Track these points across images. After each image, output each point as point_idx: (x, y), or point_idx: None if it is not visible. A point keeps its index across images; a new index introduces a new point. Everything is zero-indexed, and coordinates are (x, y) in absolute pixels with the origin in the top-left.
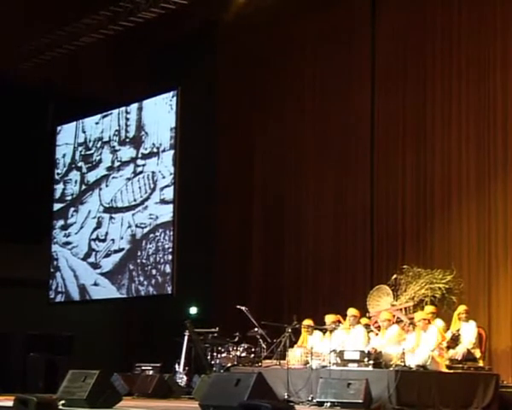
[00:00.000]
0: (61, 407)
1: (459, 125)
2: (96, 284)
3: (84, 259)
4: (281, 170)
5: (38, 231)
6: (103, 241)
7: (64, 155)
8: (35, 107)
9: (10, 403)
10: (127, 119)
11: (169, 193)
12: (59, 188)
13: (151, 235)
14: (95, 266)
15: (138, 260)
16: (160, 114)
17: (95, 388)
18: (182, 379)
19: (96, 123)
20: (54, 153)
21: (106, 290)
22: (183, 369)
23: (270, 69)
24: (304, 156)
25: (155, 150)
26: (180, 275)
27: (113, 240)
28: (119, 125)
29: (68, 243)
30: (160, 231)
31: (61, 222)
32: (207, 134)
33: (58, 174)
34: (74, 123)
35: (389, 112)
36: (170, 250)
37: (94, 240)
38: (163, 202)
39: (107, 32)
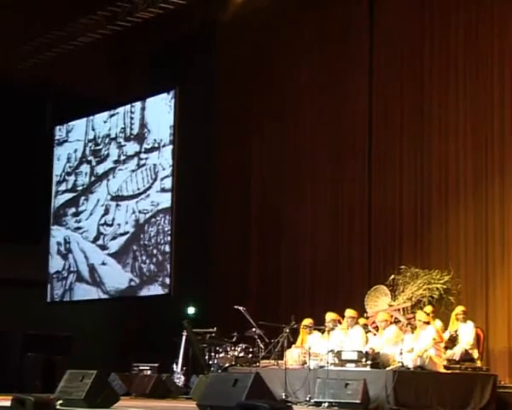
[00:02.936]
0: (58, 406)
1: (456, 126)
2: (103, 264)
3: (94, 241)
4: (279, 169)
5: (37, 231)
6: (110, 225)
7: (75, 150)
8: (34, 107)
9: (8, 403)
10: (132, 118)
11: (168, 183)
12: (71, 179)
13: (152, 219)
14: (103, 247)
15: (141, 242)
16: (160, 114)
17: (92, 388)
18: (180, 379)
19: (104, 121)
20: (52, 153)
21: (112, 269)
22: (181, 369)
23: (268, 69)
24: (301, 156)
25: (156, 145)
26: (178, 275)
27: (119, 224)
28: (124, 124)
29: (79, 228)
30: (161, 215)
31: (72, 210)
32: (206, 133)
33: (70, 167)
34: (85, 121)
35: (387, 113)
36: (169, 232)
37: (102, 225)
38: (163, 190)
39: (106, 32)
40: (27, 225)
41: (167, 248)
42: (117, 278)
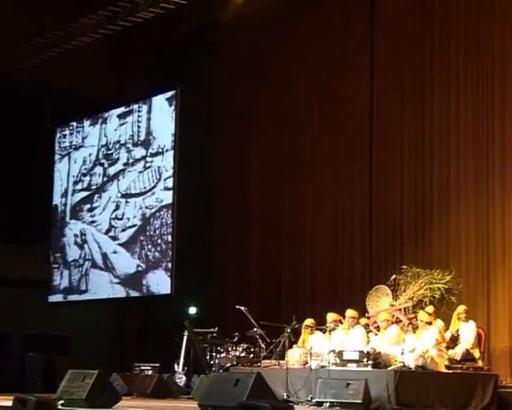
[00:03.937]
0: (59, 406)
1: (457, 126)
2: (115, 252)
3: (106, 233)
4: (279, 169)
5: (37, 231)
6: (120, 219)
7: (90, 155)
8: (34, 107)
9: (9, 403)
10: (139, 126)
11: (171, 182)
12: (86, 180)
13: (157, 214)
14: (114, 238)
15: (147, 233)
16: (164, 123)
17: (94, 388)
18: (181, 379)
19: (115, 129)
20: (53, 153)
21: (122, 257)
22: (182, 369)
23: (268, 69)
24: (302, 156)
25: (160, 150)
26: (179, 275)
27: (128, 218)
28: (132, 132)
29: (93, 222)
30: (164, 210)
31: (87, 206)
32: (207, 133)
33: (85, 169)
34: (98, 129)
35: (387, 113)
36: (171, 225)
37: (113, 219)
38: (166, 189)
39: (106, 32)
40: (27, 225)
41: (170, 238)
42: (126, 264)
